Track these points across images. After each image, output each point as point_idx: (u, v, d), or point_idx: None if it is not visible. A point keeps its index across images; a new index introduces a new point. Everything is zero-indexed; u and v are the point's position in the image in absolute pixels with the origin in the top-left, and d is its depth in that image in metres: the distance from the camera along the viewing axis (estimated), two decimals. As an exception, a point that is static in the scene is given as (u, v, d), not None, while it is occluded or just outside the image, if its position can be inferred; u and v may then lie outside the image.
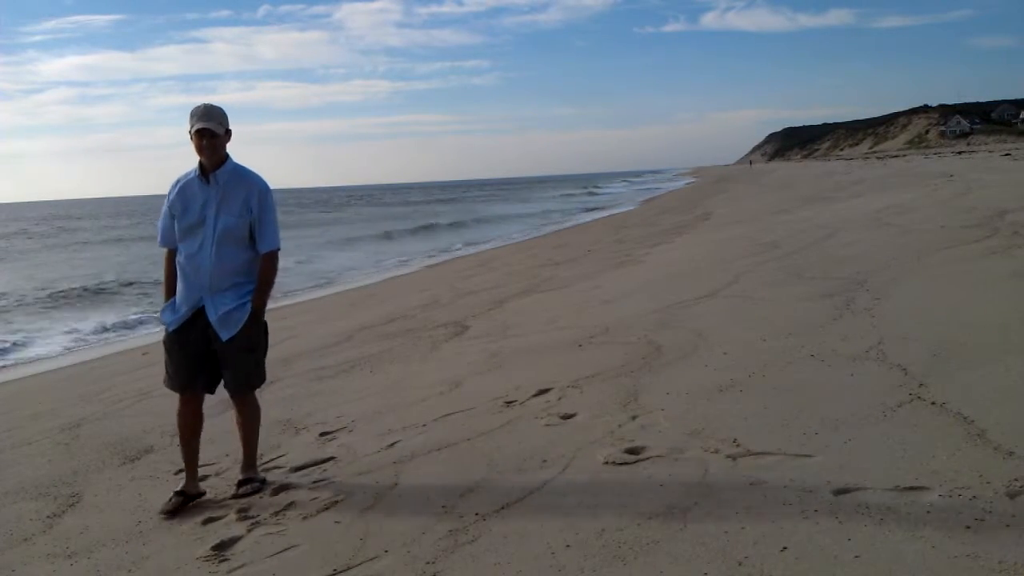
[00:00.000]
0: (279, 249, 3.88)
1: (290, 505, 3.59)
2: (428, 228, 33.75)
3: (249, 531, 3.36)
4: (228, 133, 3.78)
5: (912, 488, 2.91)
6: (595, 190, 76.43)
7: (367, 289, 14.05)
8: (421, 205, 68.95)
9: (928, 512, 2.72)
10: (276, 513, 3.51)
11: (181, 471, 3.92)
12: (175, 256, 3.84)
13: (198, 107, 3.72)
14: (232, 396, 3.90)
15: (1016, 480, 2.86)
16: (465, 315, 8.54)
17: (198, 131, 3.66)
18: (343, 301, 12.26)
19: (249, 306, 3.77)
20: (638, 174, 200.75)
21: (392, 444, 4.24)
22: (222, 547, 3.23)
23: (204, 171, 3.74)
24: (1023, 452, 3.09)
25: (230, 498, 3.76)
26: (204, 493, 3.82)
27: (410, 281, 14.57)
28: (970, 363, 4.30)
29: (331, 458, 4.18)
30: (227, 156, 3.79)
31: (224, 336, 3.72)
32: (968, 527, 2.59)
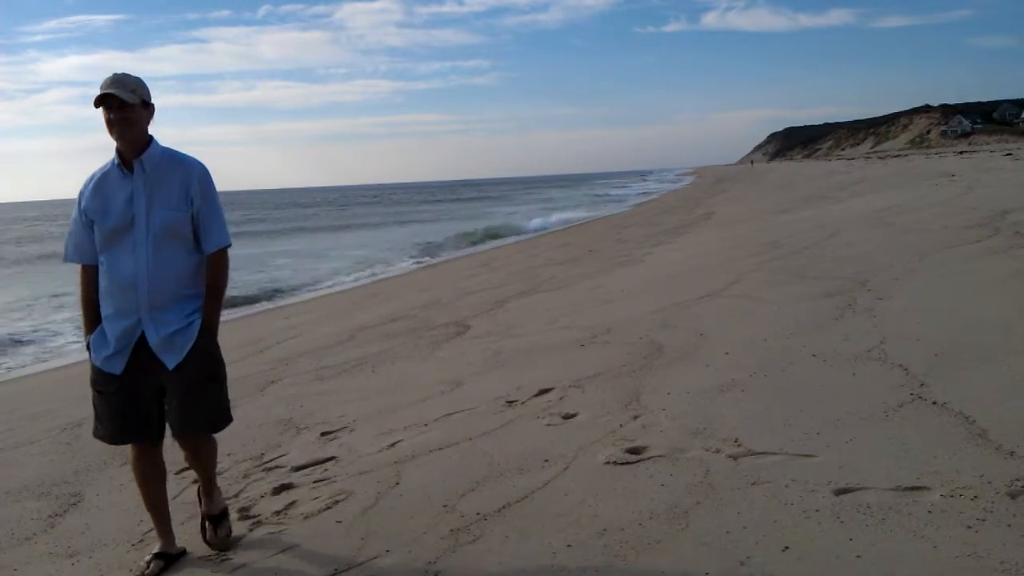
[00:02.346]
0: (229, 246, 3.15)
1: (291, 504, 3.59)
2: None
3: (250, 531, 3.36)
4: (148, 107, 3.01)
5: (913, 488, 2.91)
6: (620, 187, 78.61)
7: (369, 288, 14.06)
8: (455, 204, 66.62)
9: (929, 512, 2.72)
10: (277, 512, 3.51)
11: (184, 470, 3.91)
12: (92, 274, 3.08)
13: (107, 77, 2.95)
14: (183, 440, 3.11)
15: (1017, 480, 2.86)
16: (466, 315, 8.54)
17: (103, 97, 2.88)
18: (345, 300, 12.26)
19: (198, 323, 3.03)
20: (643, 173, 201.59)
21: (393, 444, 4.24)
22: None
23: (124, 159, 2.99)
24: (1025, 452, 3.09)
25: (208, 545, 3.23)
26: (184, 551, 3.20)
27: (411, 281, 14.58)
28: (972, 363, 4.30)
29: (332, 457, 4.18)
30: (151, 138, 3.05)
31: (171, 363, 2.98)
32: (969, 527, 2.58)
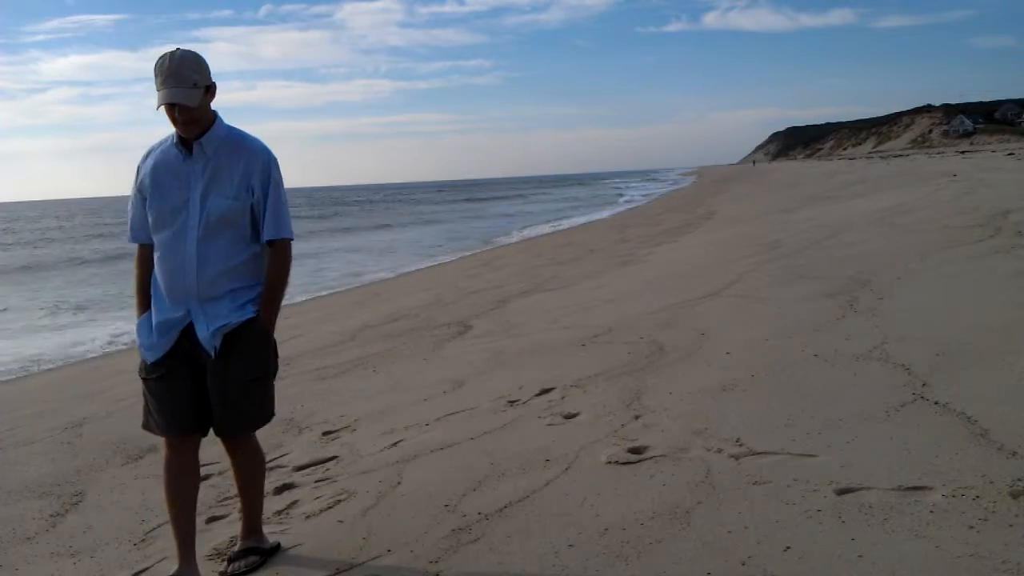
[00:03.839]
0: (292, 239, 2.96)
1: (292, 504, 3.59)
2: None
3: (252, 530, 3.36)
4: (210, 90, 2.79)
5: (915, 488, 2.90)
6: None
7: (371, 288, 14.06)
8: (479, 203, 63.65)
9: (931, 512, 2.71)
10: (279, 512, 3.51)
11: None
12: (149, 253, 2.91)
13: (161, 63, 2.69)
14: (224, 440, 2.96)
15: (1019, 480, 2.86)
16: (468, 314, 8.54)
17: (167, 109, 2.72)
18: (347, 300, 12.27)
19: (250, 312, 2.87)
20: (647, 173, 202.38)
21: (395, 443, 4.24)
22: (225, 547, 3.23)
23: (184, 139, 2.82)
24: (1027, 452, 3.08)
25: (219, 574, 3.00)
26: None
27: (413, 280, 14.58)
28: (973, 363, 4.30)
29: (334, 457, 4.18)
30: (216, 117, 2.85)
31: (213, 351, 2.83)
32: (971, 527, 2.58)
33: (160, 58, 2.71)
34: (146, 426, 2.94)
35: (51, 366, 9.41)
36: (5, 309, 15.07)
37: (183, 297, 2.80)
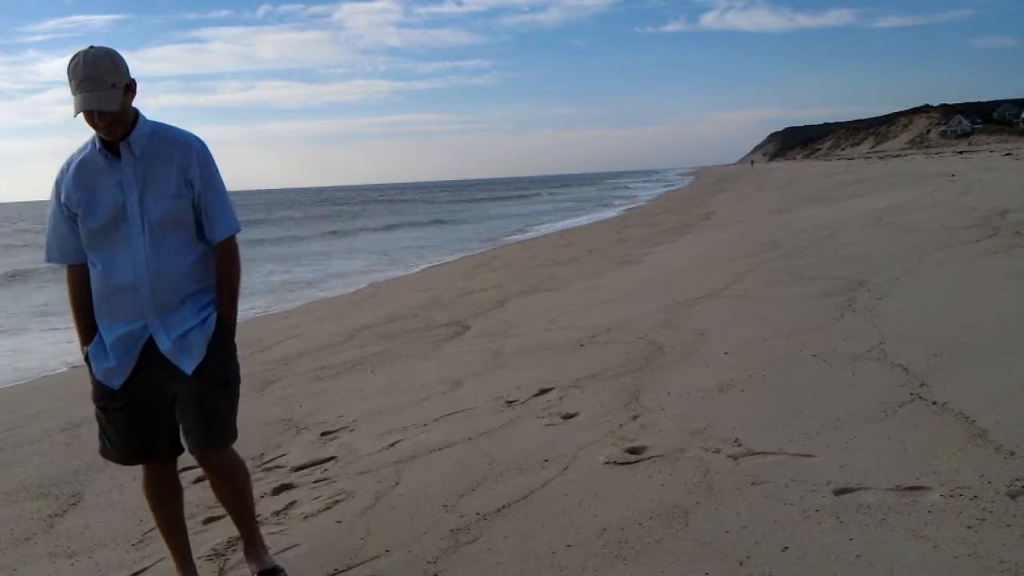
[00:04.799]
0: (238, 231, 2.76)
1: (291, 504, 3.59)
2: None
3: (250, 530, 3.36)
4: (129, 89, 2.55)
5: (913, 488, 2.91)
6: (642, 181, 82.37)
7: (369, 289, 14.06)
8: (487, 203, 61.50)
9: (929, 512, 2.72)
10: (277, 513, 3.51)
11: (184, 470, 3.88)
12: (81, 275, 2.67)
13: (74, 65, 2.45)
14: (199, 457, 2.72)
15: (1017, 480, 2.86)
16: (466, 315, 8.54)
17: (86, 116, 2.49)
18: (345, 301, 12.26)
19: (215, 316, 2.67)
20: (648, 173, 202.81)
21: (393, 444, 4.24)
22: (223, 547, 3.23)
23: (107, 142, 2.58)
24: (1024, 452, 3.09)
25: None
26: None
27: (411, 281, 14.57)
28: (971, 363, 4.30)
29: (332, 457, 4.18)
30: (137, 114, 2.61)
31: (188, 367, 2.60)
32: (969, 527, 2.58)
33: (72, 59, 2.47)
34: (104, 453, 2.77)
35: (50, 365, 9.40)
36: None
37: (136, 312, 2.59)
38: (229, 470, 2.79)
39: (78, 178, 2.61)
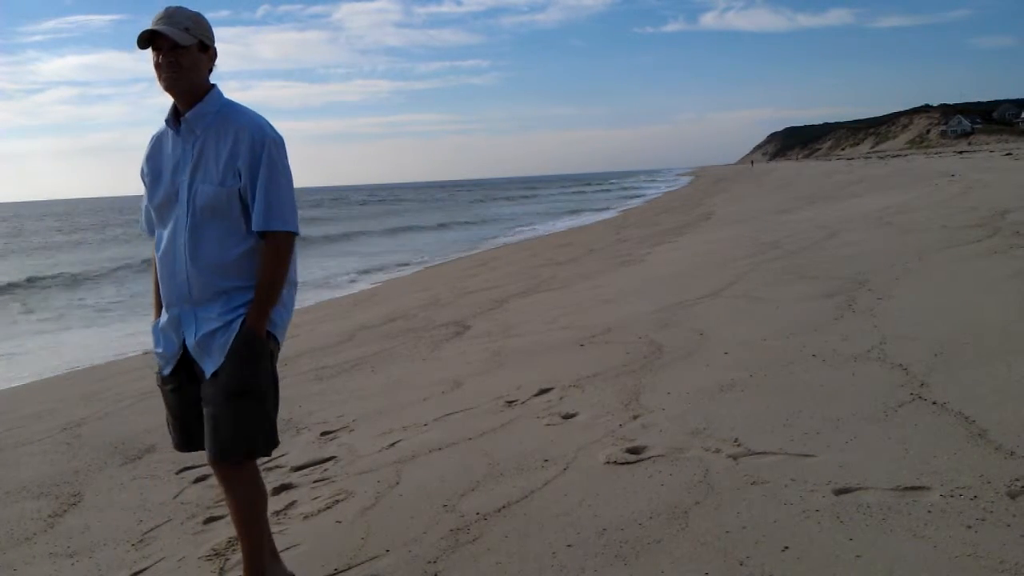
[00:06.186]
0: (296, 233, 2.54)
1: (291, 504, 3.59)
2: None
3: (250, 530, 3.36)
4: (208, 50, 2.46)
5: (913, 488, 2.91)
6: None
7: (369, 289, 14.06)
8: (502, 204, 60.88)
9: (929, 512, 2.72)
10: (277, 513, 3.51)
11: (184, 470, 3.90)
12: None
13: (158, 12, 2.42)
14: (213, 465, 2.58)
15: (1017, 480, 2.86)
16: (466, 315, 8.54)
17: (149, 36, 2.35)
18: (345, 301, 12.27)
19: (239, 323, 2.49)
20: (650, 173, 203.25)
21: (393, 443, 4.24)
22: (223, 547, 3.23)
23: (176, 113, 2.49)
24: (1024, 452, 3.09)
25: None
26: None
27: (411, 281, 14.58)
28: (971, 363, 4.30)
29: (332, 457, 4.18)
30: (212, 88, 2.50)
31: (208, 369, 2.49)
32: (969, 527, 2.58)
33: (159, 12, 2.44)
34: (173, 441, 2.71)
35: (50, 365, 9.40)
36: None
37: (177, 300, 2.51)
38: (233, 488, 2.57)
39: (151, 152, 2.58)
